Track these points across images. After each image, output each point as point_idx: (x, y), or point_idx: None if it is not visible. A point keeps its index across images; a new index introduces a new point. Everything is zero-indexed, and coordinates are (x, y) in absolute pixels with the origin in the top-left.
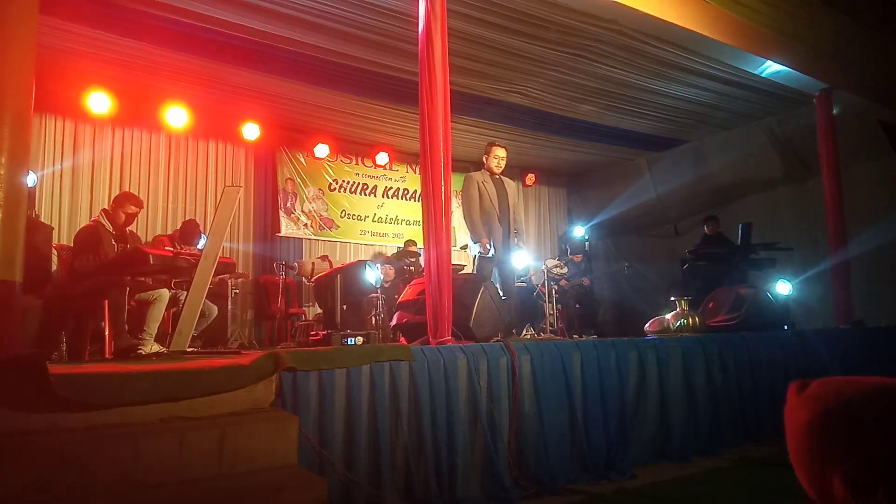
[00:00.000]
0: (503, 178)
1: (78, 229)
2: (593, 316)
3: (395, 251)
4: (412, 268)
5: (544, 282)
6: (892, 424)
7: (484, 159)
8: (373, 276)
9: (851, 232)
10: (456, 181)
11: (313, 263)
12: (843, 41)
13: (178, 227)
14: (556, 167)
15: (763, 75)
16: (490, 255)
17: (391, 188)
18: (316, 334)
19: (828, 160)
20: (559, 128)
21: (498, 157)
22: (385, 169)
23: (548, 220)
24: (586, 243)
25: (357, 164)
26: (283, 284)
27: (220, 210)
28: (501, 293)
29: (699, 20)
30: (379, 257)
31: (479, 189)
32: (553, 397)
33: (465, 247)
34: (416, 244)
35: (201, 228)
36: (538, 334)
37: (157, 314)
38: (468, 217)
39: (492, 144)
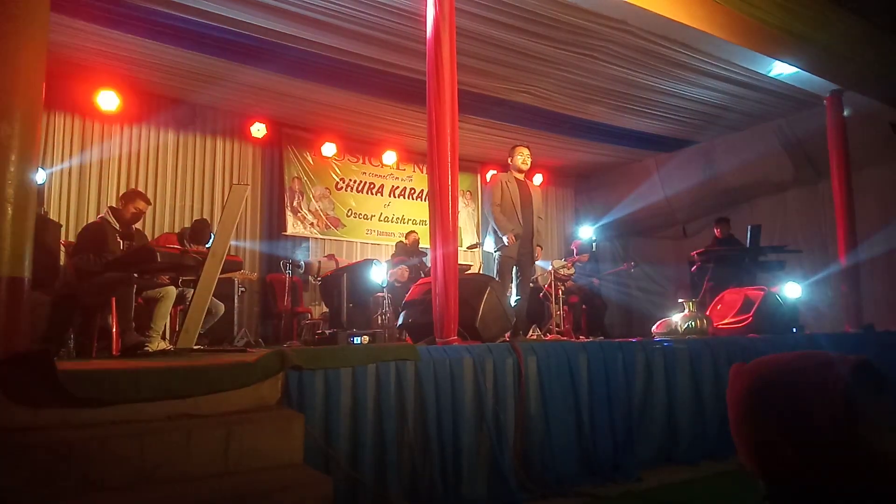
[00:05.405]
0: (529, 181)
1: (83, 226)
2: (600, 317)
3: (396, 244)
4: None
5: (551, 282)
6: (797, 391)
7: (509, 160)
8: (379, 275)
9: (861, 235)
10: (463, 181)
11: (319, 262)
12: (855, 43)
13: (187, 225)
14: (563, 167)
15: (773, 76)
16: (509, 246)
17: (398, 187)
18: (322, 333)
19: (838, 162)
20: (567, 128)
21: (523, 155)
22: (392, 168)
23: (555, 220)
24: (594, 244)
25: (364, 163)
26: (289, 283)
27: (228, 208)
28: (517, 293)
29: (709, 20)
30: (394, 258)
31: (501, 188)
32: (559, 399)
33: (473, 246)
34: (416, 233)
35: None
36: (544, 335)
37: (165, 311)
38: (489, 213)
39: (515, 146)
